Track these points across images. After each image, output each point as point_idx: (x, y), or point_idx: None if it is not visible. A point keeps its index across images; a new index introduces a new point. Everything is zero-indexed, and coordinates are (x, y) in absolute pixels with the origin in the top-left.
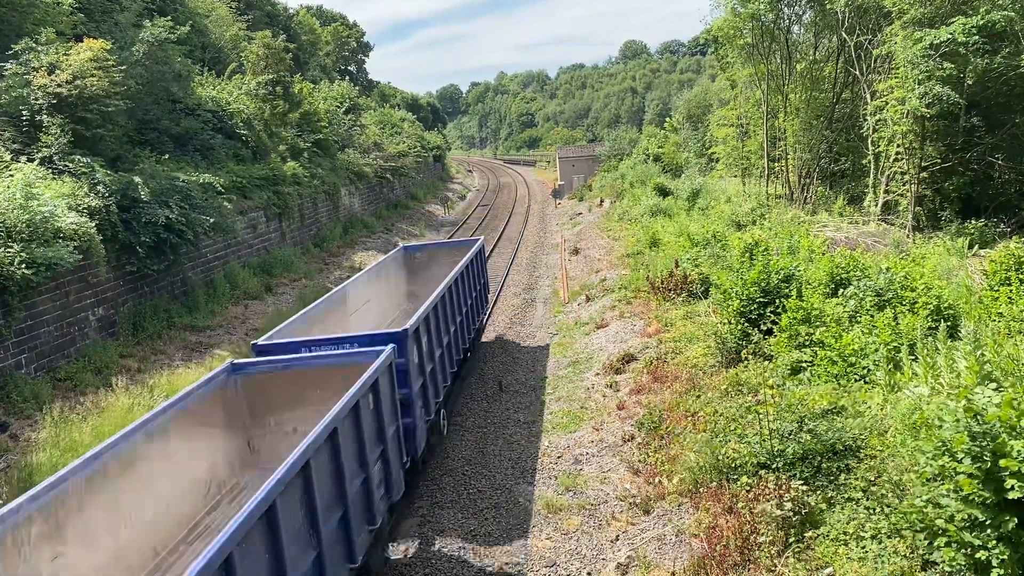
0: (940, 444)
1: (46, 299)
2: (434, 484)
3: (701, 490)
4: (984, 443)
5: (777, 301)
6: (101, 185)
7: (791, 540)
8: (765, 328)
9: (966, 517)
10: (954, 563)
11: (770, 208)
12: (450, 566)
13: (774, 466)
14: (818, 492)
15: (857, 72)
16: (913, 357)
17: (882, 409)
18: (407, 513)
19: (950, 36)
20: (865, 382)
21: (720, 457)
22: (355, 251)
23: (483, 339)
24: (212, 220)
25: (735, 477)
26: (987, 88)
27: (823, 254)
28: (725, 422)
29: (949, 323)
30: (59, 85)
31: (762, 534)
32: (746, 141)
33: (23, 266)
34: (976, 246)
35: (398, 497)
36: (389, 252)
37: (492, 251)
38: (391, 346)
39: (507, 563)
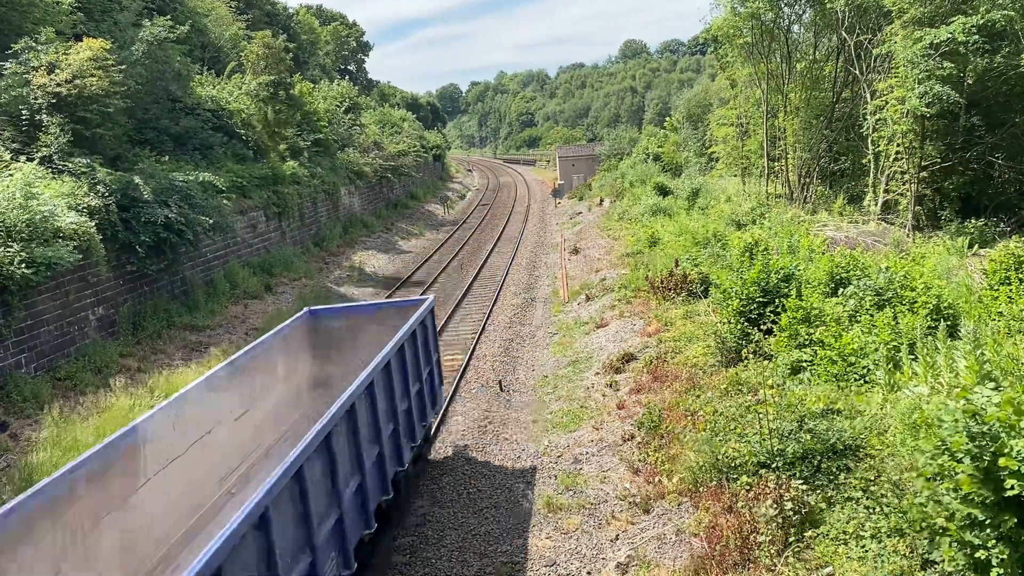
0: (939, 444)
1: (46, 299)
2: (434, 483)
3: (701, 489)
4: (983, 443)
5: (777, 300)
6: (101, 184)
7: (791, 539)
8: (765, 328)
9: (966, 516)
10: (954, 562)
11: (770, 207)
12: (450, 565)
13: (774, 465)
14: (818, 491)
15: (857, 71)
16: (913, 356)
17: (882, 408)
18: (407, 511)
19: (950, 35)
20: (865, 381)
21: (720, 456)
22: (355, 251)
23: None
24: (212, 220)
25: (735, 476)
26: (987, 87)
27: (823, 253)
28: (725, 421)
29: (949, 322)
30: (59, 84)
31: (762, 533)
32: (746, 140)
33: (23, 265)
34: (976, 245)
35: (436, 416)
36: (281, 325)
37: (492, 251)
38: (430, 298)
39: (507, 562)
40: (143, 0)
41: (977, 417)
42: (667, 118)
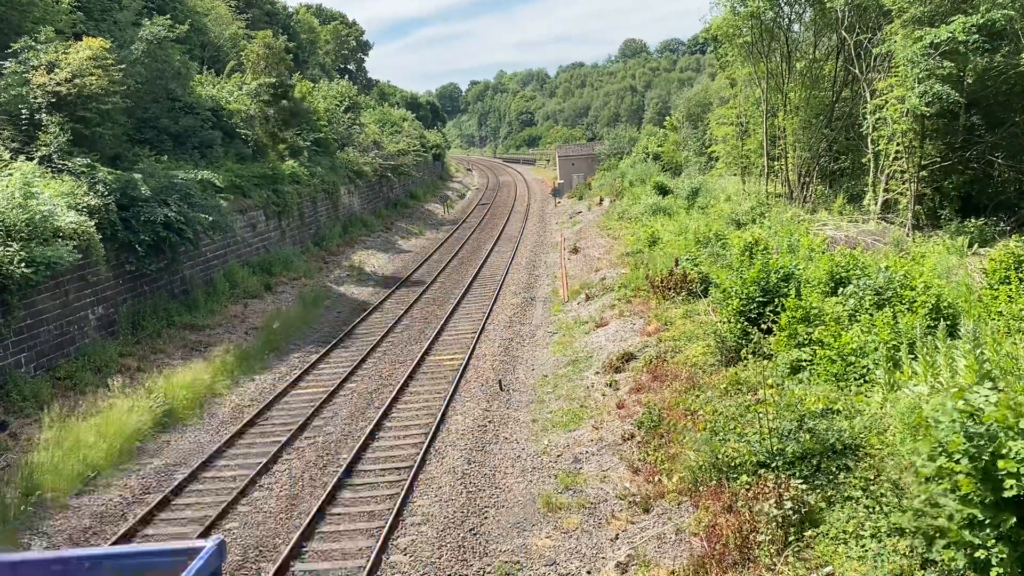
0: (936, 445)
1: (46, 298)
2: (434, 482)
3: (701, 489)
4: (981, 443)
5: (777, 300)
6: (101, 184)
7: (791, 539)
8: (765, 327)
9: (965, 516)
10: (953, 562)
11: (770, 207)
12: (450, 564)
13: (774, 465)
14: (817, 491)
15: (857, 71)
16: (912, 356)
17: (881, 408)
18: (410, 508)
19: (950, 35)
20: (865, 381)
21: (720, 456)
22: (355, 250)
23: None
24: (211, 218)
25: (735, 476)
26: (987, 86)
27: (823, 253)
28: (725, 421)
29: (948, 322)
30: (58, 84)
31: (762, 533)
32: (746, 140)
33: (23, 265)
34: (976, 245)
35: None
36: None
37: (492, 250)
38: (213, 544)
39: (507, 561)
40: None
41: (974, 417)
42: (667, 117)
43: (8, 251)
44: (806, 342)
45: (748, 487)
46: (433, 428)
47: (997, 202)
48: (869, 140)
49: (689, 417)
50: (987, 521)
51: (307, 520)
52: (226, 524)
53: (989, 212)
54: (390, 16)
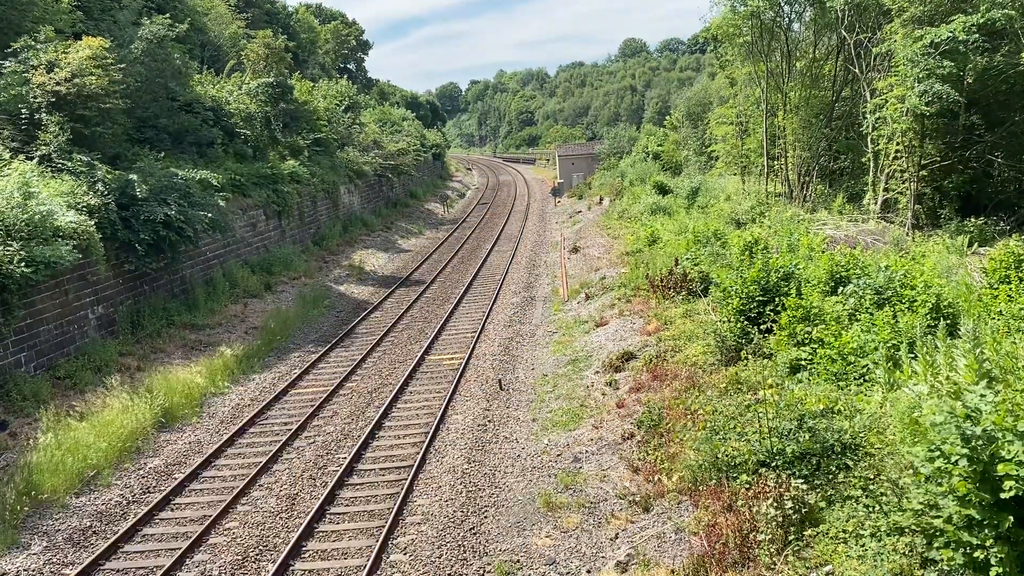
0: (934, 447)
1: (45, 297)
2: (434, 481)
3: (701, 488)
4: (979, 444)
5: (777, 299)
6: (100, 183)
7: (791, 538)
8: (765, 326)
9: (963, 517)
10: (952, 562)
11: (769, 206)
12: (450, 563)
13: (774, 464)
14: (817, 490)
15: (856, 70)
16: (912, 355)
17: (881, 407)
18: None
19: (950, 34)
20: (864, 380)
21: (720, 455)
22: (355, 249)
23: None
24: (210, 217)
25: (735, 475)
26: (987, 86)
27: (823, 252)
28: (724, 420)
29: (948, 321)
30: (58, 83)
31: (762, 532)
32: (745, 139)
33: (22, 264)
34: (976, 244)
35: None
36: None
37: (492, 249)
38: None
39: (507, 560)
40: None
41: (971, 419)
42: (667, 117)
43: (8, 250)
44: (806, 341)
45: (748, 486)
46: (433, 428)
47: (997, 201)
48: (869, 139)
49: (689, 416)
50: (985, 521)
51: (307, 519)
52: (226, 523)
53: (989, 211)
54: (390, 15)
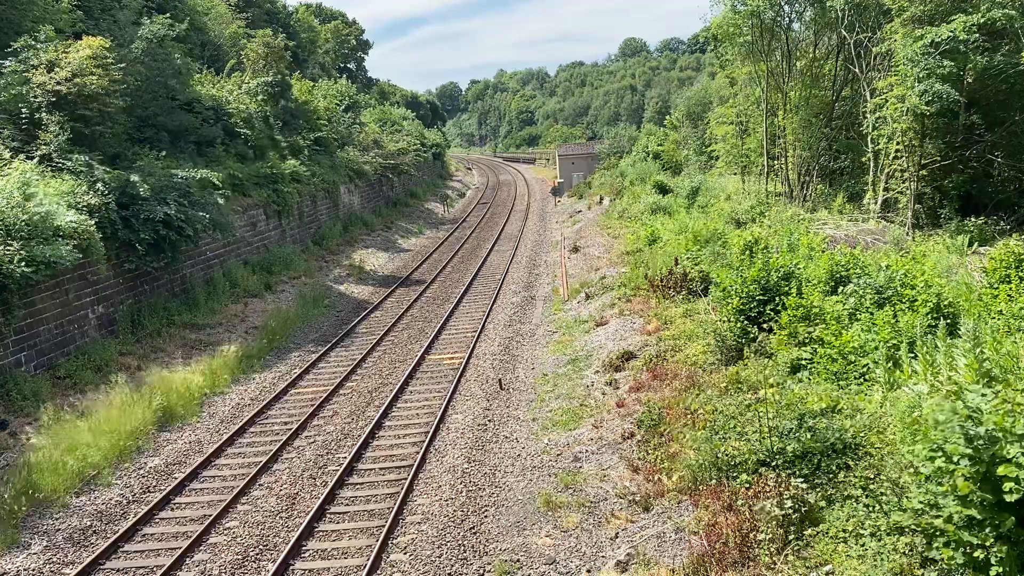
0: (935, 446)
1: (46, 297)
2: (434, 481)
3: (701, 488)
4: (981, 444)
5: (777, 299)
6: (100, 183)
7: (791, 538)
8: (765, 326)
9: (964, 517)
10: (952, 562)
11: (770, 206)
12: (450, 563)
13: (774, 464)
14: (817, 490)
15: (857, 70)
16: (913, 355)
17: (881, 407)
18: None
19: (951, 34)
20: (865, 380)
21: (720, 455)
22: (355, 249)
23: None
24: (209, 216)
25: (735, 475)
26: (987, 86)
27: (823, 252)
28: (725, 420)
29: (949, 321)
30: (58, 83)
31: (762, 532)
32: (746, 139)
33: (23, 264)
34: (976, 243)
35: None
36: None
37: (492, 249)
38: None
39: (507, 560)
40: None
41: (973, 418)
42: (667, 116)
43: (8, 250)
44: (806, 341)
45: (748, 486)
46: (433, 427)
47: (997, 201)
48: (869, 139)
49: (689, 416)
50: (986, 521)
51: (307, 519)
52: (226, 523)
53: (989, 211)
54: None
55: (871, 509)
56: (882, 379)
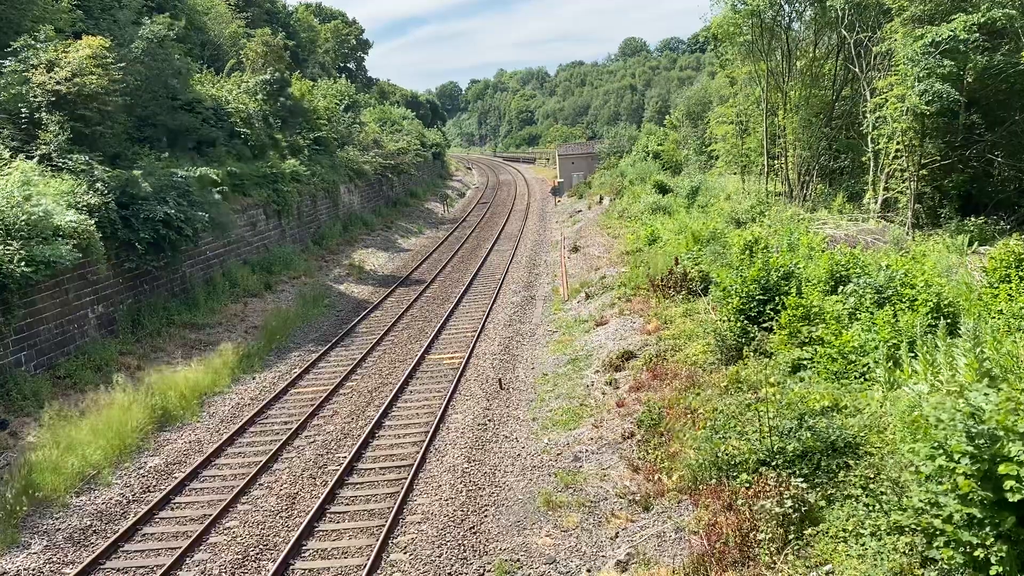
0: (936, 445)
1: (45, 297)
2: (434, 481)
3: (701, 487)
4: (982, 442)
5: (777, 298)
6: (100, 182)
7: (791, 537)
8: (765, 325)
9: (964, 516)
10: (952, 561)
11: (770, 205)
12: (450, 563)
13: (774, 463)
14: (818, 489)
15: (857, 69)
16: (913, 354)
17: (881, 406)
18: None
19: (951, 33)
20: (865, 379)
21: (720, 454)
22: (355, 249)
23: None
24: (208, 215)
25: (735, 474)
26: (987, 85)
27: (823, 251)
28: (725, 419)
29: (949, 320)
30: (58, 82)
31: (762, 531)
32: (746, 138)
33: (23, 264)
34: (976, 243)
35: None
36: None
37: (492, 249)
38: None
39: (507, 560)
40: None
41: (975, 417)
42: (667, 116)
43: (8, 250)
44: (807, 340)
45: (748, 485)
46: (433, 427)
47: (997, 200)
48: (869, 139)
49: (689, 415)
50: (987, 520)
51: (307, 518)
52: (226, 522)
53: (989, 210)
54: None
55: (871, 508)
56: (882, 379)
